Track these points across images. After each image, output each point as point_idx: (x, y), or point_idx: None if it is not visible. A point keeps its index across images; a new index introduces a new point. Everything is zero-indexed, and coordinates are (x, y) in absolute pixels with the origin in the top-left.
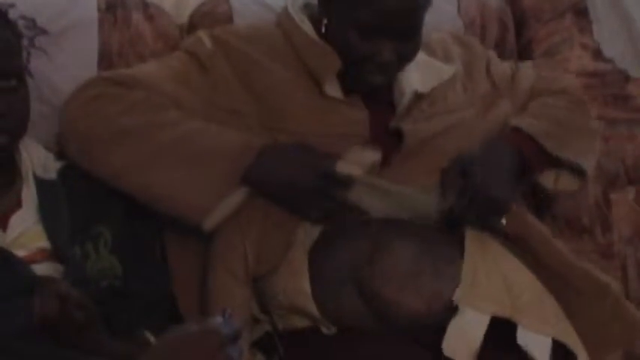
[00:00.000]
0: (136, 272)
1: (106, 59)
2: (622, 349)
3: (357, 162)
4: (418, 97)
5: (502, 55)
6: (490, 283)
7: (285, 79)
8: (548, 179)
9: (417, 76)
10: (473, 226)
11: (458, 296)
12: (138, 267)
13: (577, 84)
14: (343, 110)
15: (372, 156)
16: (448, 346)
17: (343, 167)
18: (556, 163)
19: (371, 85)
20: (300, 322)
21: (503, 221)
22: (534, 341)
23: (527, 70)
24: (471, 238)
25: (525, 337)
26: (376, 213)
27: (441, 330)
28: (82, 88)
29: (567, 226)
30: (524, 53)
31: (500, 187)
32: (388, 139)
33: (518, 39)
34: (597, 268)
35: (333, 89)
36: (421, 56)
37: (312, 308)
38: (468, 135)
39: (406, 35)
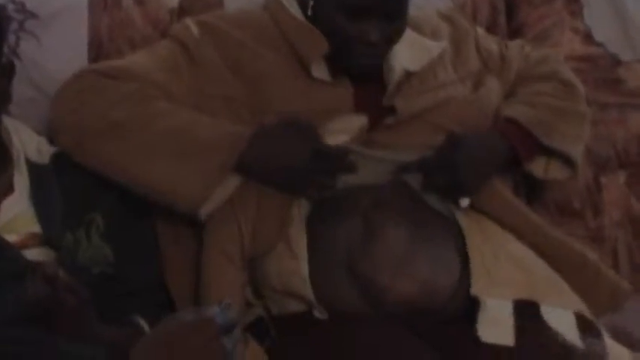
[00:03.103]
0: (128, 259)
1: (95, 43)
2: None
3: (343, 129)
4: (408, 75)
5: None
6: (501, 267)
7: (273, 63)
8: (538, 168)
9: (407, 54)
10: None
11: (475, 289)
12: (131, 254)
13: (564, 62)
14: (328, 89)
15: (358, 121)
16: (488, 334)
17: (331, 138)
18: (547, 151)
19: (360, 67)
20: (294, 307)
21: (465, 202)
22: (560, 317)
23: (516, 49)
24: (465, 218)
25: (550, 315)
26: (370, 180)
27: (436, 316)
28: (72, 80)
29: (558, 210)
30: (515, 37)
31: (471, 174)
32: (376, 114)
33: (509, 22)
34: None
35: (320, 71)
36: (410, 34)
37: (308, 291)
38: (458, 110)
39: (393, 15)
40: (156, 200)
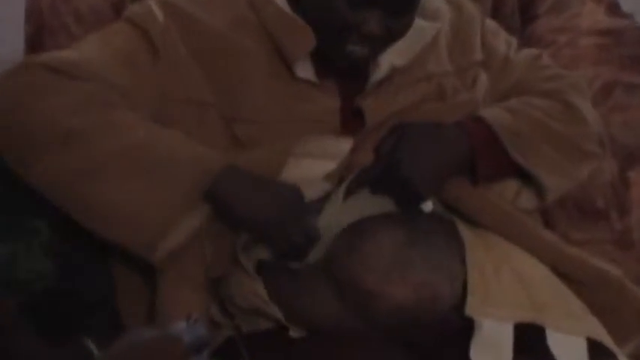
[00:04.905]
0: (76, 274)
1: (35, 15)
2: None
3: (330, 154)
4: (394, 70)
5: (502, 13)
6: (502, 283)
7: (251, 58)
8: (507, 191)
9: (398, 45)
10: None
11: (469, 307)
12: (78, 268)
13: (585, 90)
14: (314, 96)
15: (346, 146)
16: (482, 359)
17: (317, 165)
18: (520, 174)
19: (350, 60)
20: (266, 324)
21: (427, 207)
22: (567, 344)
23: (528, 57)
24: (466, 226)
25: (556, 341)
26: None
27: (436, 330)
28: (12, 74)
29: (577, 210)
30: (526, 10)
31: (417, 170)
32: (359, 122)
33: None
34: (611, 260)
35: (305, 70)
36: None
37: (274, 311)
38: (443, 108)
39: (400, 9)
40: (105, 232)
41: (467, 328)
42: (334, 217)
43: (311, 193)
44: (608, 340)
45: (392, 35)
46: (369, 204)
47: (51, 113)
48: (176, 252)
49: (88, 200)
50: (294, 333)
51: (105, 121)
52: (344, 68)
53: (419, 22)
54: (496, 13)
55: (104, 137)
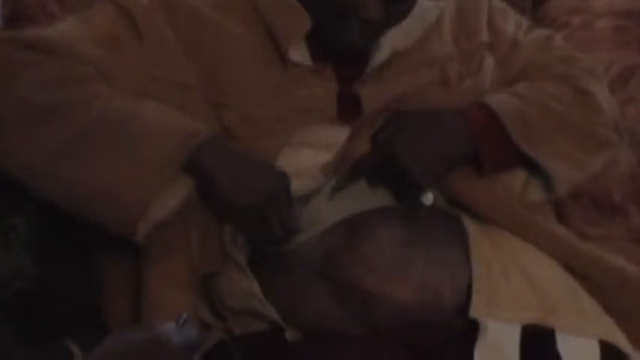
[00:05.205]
0: (56, 273)
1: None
2: None
3: (325, 144)
4: (395, 54)
5: None
6: (510, 282)
7: (240, 41)
8: (514, 182)
9: (400, 25)
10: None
11: (474, 308)
12: (59, 267)
13: (601, 75)
14: (309, 81)
15: (343, 135)
16: None
17: (312, 154)
18: (527, 164)
19: (347, 45)
20: (260, 326)
21: (427, 200)
22: (578, 348)
23: (539, 38)
24: (473, 221)
25: (566, 344)
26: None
27: (440, 334)
28: None
29: (594, 204)
30: None
31: (416, 159)
32: (356, 110)
33: None
34: (628, 257)
35: (300, 54)
36: None
37: (270, 311)
38: (446, 94)
39: None
40: (82, 212)
41: (472, 330)
42: (324, 212)
43: (304, 185)
44: (624, 344)
45: (392, 19)
46: (362, 198)
47: (21, 90)
48: (158, 228)
49: (62, 179)
50: (290, 335)
51: (79, 96)
52: (341, 52)
53: (422, 2)
54: None
55: (77, 112)
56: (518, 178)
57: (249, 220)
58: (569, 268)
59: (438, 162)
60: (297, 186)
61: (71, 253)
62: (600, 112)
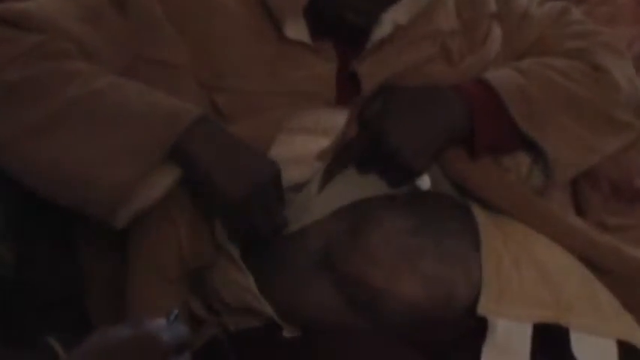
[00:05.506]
0: (38, 262)
1: None
2: None
3: (323, 129)
4: (397, 28)
5: None
6: (521, 277)
7: (231, 18)
8: (519, 166)
9: (402, 3)
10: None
11: (482, 305)
12: (39, 256)
13: (623, 50)
14: (307, 60)
15: (342, 119)
16: None
17: (311, 140)
18: (531, 147)
19: (345, 23)
20: (256, 322)
21: (424, 184)
22: (594, 348)
23: (553, 11)
24: (483, 211)
25: (581, 344)
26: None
27: (443, 329)
28: None
29: (613, 191)
30: None
31: (407, 138)
32: (356, 90)
33: None
34: None
35: (297, 30)
36: None
37: (265, 307)
38: (448, 70)
39: None
40: (59, 195)
41: (483, 327)
42: (315, 201)
43: (301, 174)
44: None
45: None
46: (358, 185)
47: None
48: (139, 216)
49: (36, 159)
50: (287, 332)
51: (55, 71)
52: (341, 28)
53: None
54: None
55: (55, 88)
56: (524, 162)
57: (233, 212)
58: (586, 261)
59: (431, 140)
60: (293, 174)
61: (53, 245)
62: (617, 90)
